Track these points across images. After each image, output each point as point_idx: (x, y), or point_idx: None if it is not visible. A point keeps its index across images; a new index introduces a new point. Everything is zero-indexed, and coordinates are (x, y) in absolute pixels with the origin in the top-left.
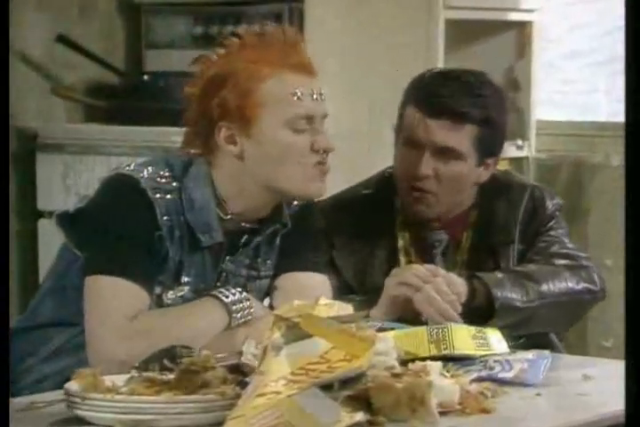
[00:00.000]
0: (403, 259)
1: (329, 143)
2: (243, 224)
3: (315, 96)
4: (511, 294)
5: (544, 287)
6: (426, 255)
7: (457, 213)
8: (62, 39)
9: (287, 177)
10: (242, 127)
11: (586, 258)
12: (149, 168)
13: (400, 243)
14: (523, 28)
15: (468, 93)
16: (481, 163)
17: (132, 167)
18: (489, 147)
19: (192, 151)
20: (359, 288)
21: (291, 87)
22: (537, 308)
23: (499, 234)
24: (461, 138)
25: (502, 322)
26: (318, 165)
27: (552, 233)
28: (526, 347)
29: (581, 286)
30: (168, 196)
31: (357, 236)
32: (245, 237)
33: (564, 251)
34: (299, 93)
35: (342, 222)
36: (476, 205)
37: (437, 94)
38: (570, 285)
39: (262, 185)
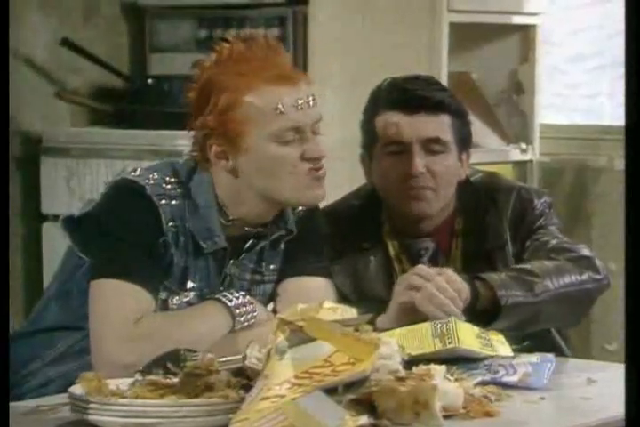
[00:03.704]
0: (397, 266)
1: (320, 151)
2: (246, 229)
3: (300, 106)
4: (515, 291)
5: (548, 281)
6: (415, 263)
7: (442, 218)
8: (67, 43)
9: (282, 188)
10: (229, 143)
11: (585, 248)
12: (155, 174)
13: (392, 251)
14: (526, 32)
15: (434, 87)
16: (459, 157)
17: (137, 173)
18: (463, 139)
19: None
20: (354, 298)
21: (271, 101)
22: (544, 302)
23: (490, 239)
24: (442, 127)
25: (510, 321)
26: (311, 171)
27: (543, 231)
28: (530, 350)
29: (585, 275)
30: (173, 202)
31: (349, 246)
32: (250, 241)
33: (562, 245)
34: (280, 107)
35: (334, 233)
36: (461, 210)
37: (409, 90)
38: (574, 275)
39: (260, 196)
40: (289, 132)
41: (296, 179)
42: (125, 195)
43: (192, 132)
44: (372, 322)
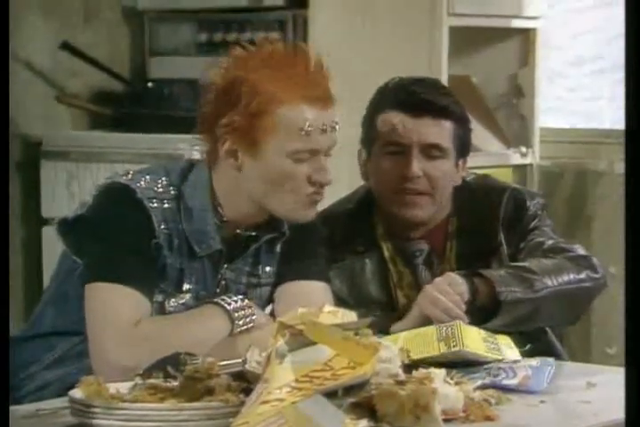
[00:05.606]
0: (392, 268)
1: (328, 178)
2: (239, 231)
3: (325, 128)
4: (514, 288)
5: (547, 278)
6: (410, 265)
7: (437, 221)
8: (67, 46)
9: (277, 202)
10: (245, 146)
11: (580, 248)
12: (147, 177)
13: (386, 254)
14: (526, 36)
15: (441, 91)
16: (456, 163)
17: (129, 176)
18: (463, 146)
19: (195, 155)
20: (351, 301)
21: (302, 121)
22: (542, 299)
23: (484, 239)
24: (443, 134)
25: (508, 317)
26: (312, 195)
27: (538, 232)
28: (530, 355)
29: (583, 273)
30: (166, 205)
31: (344, 250)
32: (243, 244)
33: (558, 245)
34: (307, 128)
35: (329, 238)
36: (454, 212)
37: (416, 93)
38: (572, 274)
39: (255, 201)
40: (305, 153)
41: (295, 197)
42: (116, 198)
43: (200, 117)
44: (376, 325)
